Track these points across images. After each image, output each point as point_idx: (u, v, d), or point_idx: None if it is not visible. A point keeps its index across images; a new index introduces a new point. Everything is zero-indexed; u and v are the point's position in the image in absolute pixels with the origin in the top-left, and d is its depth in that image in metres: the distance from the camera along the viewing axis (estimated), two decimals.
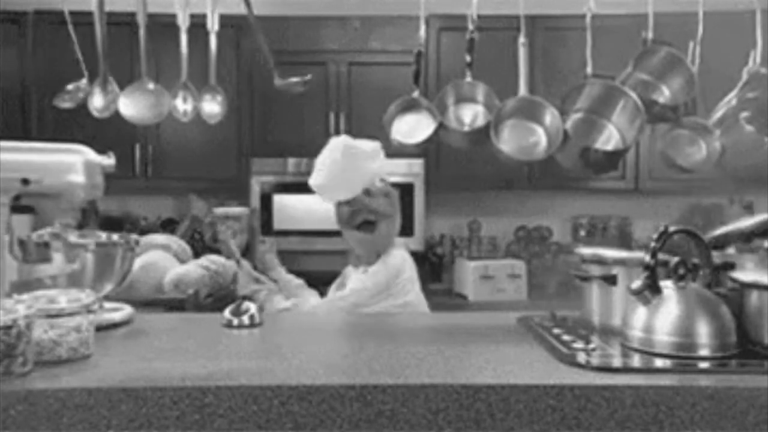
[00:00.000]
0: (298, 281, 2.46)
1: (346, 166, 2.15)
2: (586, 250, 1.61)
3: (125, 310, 1.62)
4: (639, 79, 1.78)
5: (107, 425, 1.09)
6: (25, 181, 1.46)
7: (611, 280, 1.50)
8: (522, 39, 1.78)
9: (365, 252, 2.23)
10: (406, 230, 3.39)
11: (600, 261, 1.55)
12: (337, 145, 2.21)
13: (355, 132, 3.62)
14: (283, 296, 2.27)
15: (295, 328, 1.72)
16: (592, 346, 1.33)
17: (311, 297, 2.35)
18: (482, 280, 3.53)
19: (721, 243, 1.45)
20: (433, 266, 3.88)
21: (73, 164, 1.52)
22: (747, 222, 1.47)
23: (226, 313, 1.62)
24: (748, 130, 1.74)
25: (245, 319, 1.60)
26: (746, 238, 1.44)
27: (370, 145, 2.22)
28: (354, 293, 2.12)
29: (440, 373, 1.21)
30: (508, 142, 1.74)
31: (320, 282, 2.48)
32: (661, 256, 1.31)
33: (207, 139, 3.61)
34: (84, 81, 1.93)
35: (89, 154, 1.56)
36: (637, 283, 1.31)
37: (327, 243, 3.57)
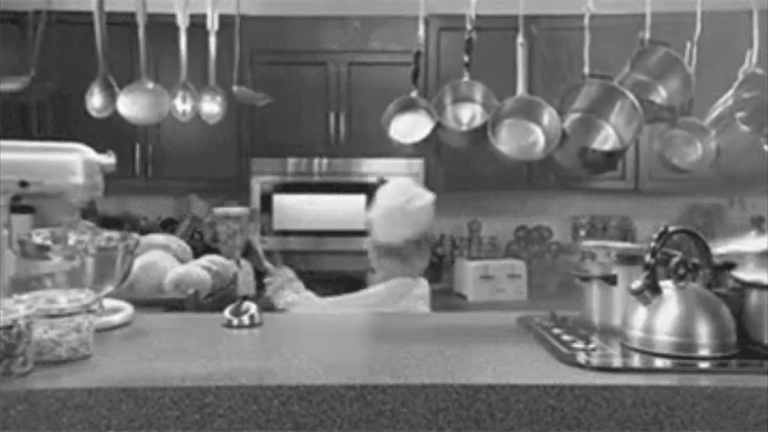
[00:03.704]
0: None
1: (398, 220, 2.14)
2: (590, 242, 1.61)
3: (125, 312, 1.61)
4: (636, 79, 1.78)
5: (107, 425, 1.09)
6: (24, 184, 1.46)
7: (611, 280, 1.50)
8: (520, 39, 1.78)
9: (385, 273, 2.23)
10: None
11: (604, 248, 1.54)
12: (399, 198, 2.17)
13: (355, 132, 3.65)
14: (293, 290, 2.26)
15: (295, 328, 1.72)
16: (592, 346, 1.33)
17: None
18: (482, 280, 3.53)
19: (730, 264, 1.40)
20: (433, 266, 3.86)
21: (72, 164, 1.52)
22: (758, 244, 1.43)
23: (226, 313, 1.62)
24: (744, 130, 1.74)
25: (245, 319, 1.60)
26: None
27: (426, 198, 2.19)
28: (374, 295, 2.14)
29: (440, 373, 1.21)
30: (506, 141, 1.74)
31: (320, 282, 2.48)
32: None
33: (207, 139, 3.61)
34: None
35: (89, 153, 1.56)
36: (637, 283, 1.31)
37: (327, 243, 3.57)
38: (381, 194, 2.19)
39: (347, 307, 2.11)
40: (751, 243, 1.44)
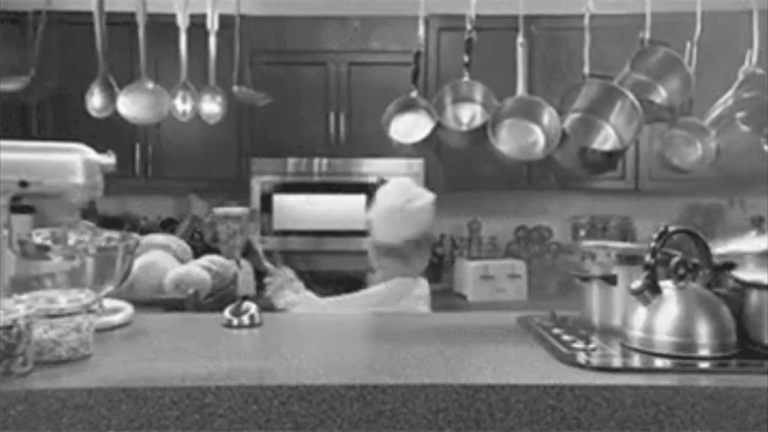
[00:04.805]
0: None
1: (399, 220, 2.13)
2: (590, 243, 1.61)
3: (125, 312, 1.61)
4: (636, 79, 1.78)
5: (107, 425, 1.09)
6: (24, 184, 1.46)
7: (611, 280, 1.50)
8: (520, 39, 1.78)
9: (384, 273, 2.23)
10: None
11: (604, 248, 1.54)
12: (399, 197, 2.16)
13: (355, 132, 3.65)
14: (293, 290, 2.26)
15: (295, 328, 1.72)
16: (592, 346, 1.33)
17: None
18: (482, 280, 3.53)
19: (730, 264, 1.40)
20: (433, 266, 3.86)
21: (72, 164, 1.52)
22: (758, 244, 1.43)
23: (226, 313, 1.62)
24: (744, 130, 1.74)
25: (245, 319, 1.60)
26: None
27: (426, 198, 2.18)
28: (374, 295, 2.13)
29: (440, 373, 1.21)
30: (506, 141, 1.74)
31: (320, 282, 2.48)
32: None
33: (207, 139, 3.61)
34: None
35: (89, 153, 1.56)
36: (637, 283, 1.31)
37: (327, 243, 3.57)
38: (381, 194, 2.18)
39: (347, 308, 2.10)
40: (751, 243, 1.44)
